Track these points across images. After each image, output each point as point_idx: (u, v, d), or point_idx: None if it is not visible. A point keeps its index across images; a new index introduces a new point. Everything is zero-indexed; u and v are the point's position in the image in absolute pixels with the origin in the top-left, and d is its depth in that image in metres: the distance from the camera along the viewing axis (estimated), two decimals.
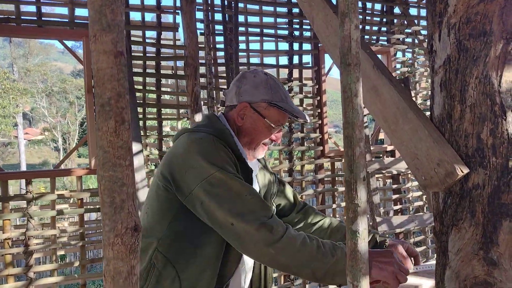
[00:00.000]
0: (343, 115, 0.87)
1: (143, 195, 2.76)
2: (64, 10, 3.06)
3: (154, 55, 3.35)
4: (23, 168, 21.82)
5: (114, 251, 0.63)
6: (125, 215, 0.64)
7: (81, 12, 3.07)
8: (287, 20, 3.78)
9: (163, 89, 3.39)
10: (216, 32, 3.47)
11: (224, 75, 3.46)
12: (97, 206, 3.18)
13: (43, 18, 2.95)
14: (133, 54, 3.26)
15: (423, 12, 4.33)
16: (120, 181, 0.65)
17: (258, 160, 1.38)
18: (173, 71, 3.50)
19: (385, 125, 1.21)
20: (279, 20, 3.80)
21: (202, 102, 3.31)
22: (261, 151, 1.29)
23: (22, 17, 2.89)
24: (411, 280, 1.36)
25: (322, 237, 1.35)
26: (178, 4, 3.34)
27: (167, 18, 3.54)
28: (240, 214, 1.04)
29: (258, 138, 1.26)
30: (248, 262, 1.28)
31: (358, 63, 0.87)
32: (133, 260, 0.64)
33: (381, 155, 4.25)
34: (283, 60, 3.90)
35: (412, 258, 1.27)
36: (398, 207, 4.19)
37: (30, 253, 2.80)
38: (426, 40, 4.47)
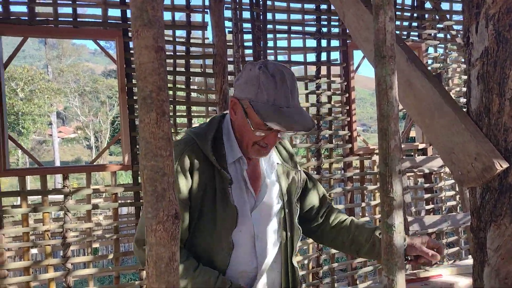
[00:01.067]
0: (377, 107, 0.87)
1: None
2: (97, 11, 3.15)
3: (184, 53, 3.42)
4: (57, 165, 22.67)
5: (156, 237, 0.66)
6: (166, 204, 0.67)
7: (113, 12, 3.16)
8: (315, 17, 3.76)
9: (192, 87, 3.45)
10: (244, 30, 3.50)
11: None
12: (128, 201, 3.28)
13: (78, 19, 3.07)
14: None
15: (456, 7, 4.20)
16: (162, 171, 0.68)
17: (288, 158, 1.32)
18: (202, 69, 3.56)
19: (419, 120, 1.19)
20: (307, 17, 3.78)
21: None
22: (255, 152, 1.19)
23: (59, 19, 3.02)
24: (446, 278, 1.33)
25: (344, 241, 1.32)
26: (207, 3, 3.39)
27: (195, 17, 3.60)
28: (139, 229, 1.17)
29: (245, 137, 1.18)
30: (260, 257, 1.23)
31: (393, 55, 0.86)
32: (174, 247, 0.67)
33: (412, 153, 4.16)
34: (311, 57, 3.89)
35: (436, 250, 1.20)
36: (430, 206, 4.09)
37: (67, 245, 2.92)
38: (462, 33, 4.32)
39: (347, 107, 3.82)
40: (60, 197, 3.49)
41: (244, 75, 1.16)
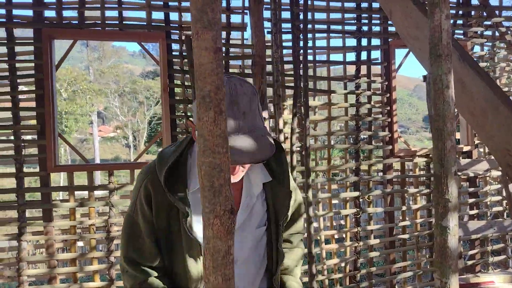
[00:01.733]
0: (433, 107, 0.85)
1: None
2: (141, 14, 3.27)
3: (223, 54, 3.47)
4: (97, 162, 23.61)
5: (213, 231, 0.69)
6: (223, 199, 0.69)
7: (157, 15, 3.27)
8: (355, 15, 3.71)
9: None
10: (283, 30, 3.50)
11: (291, 73, 3.48)
12: None
13: (123, 22, 3.20)
14: None
15: (506, 2, 4.01)
16: (219, 167, 0.70)
17: (281, 176, 1.18)
18: (240, 70, 3.60)
19: (472, 119, 1.15)
20: (347, 15, 3.74)
21: (268, 100, 3.37)
22: None
23: (106, 22, 3.15)
24: (498, 285, 1.28)
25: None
26: (246, 4, 3.42)
27: (235, 18, 3.65)
28: (121, 252, 1.15)
29: None
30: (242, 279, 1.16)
31: (450, 53, 0.84)
32: (230, 241, 0.69)
33: (456, 156, 4.01)
34: (351, 57, 3.84)
35: None
36: (474, 211, 3.92)
37: (111, 239, 3.05)
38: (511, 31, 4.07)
39: (388, 108, 3.74)
40: (102, 193, 3.62)
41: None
